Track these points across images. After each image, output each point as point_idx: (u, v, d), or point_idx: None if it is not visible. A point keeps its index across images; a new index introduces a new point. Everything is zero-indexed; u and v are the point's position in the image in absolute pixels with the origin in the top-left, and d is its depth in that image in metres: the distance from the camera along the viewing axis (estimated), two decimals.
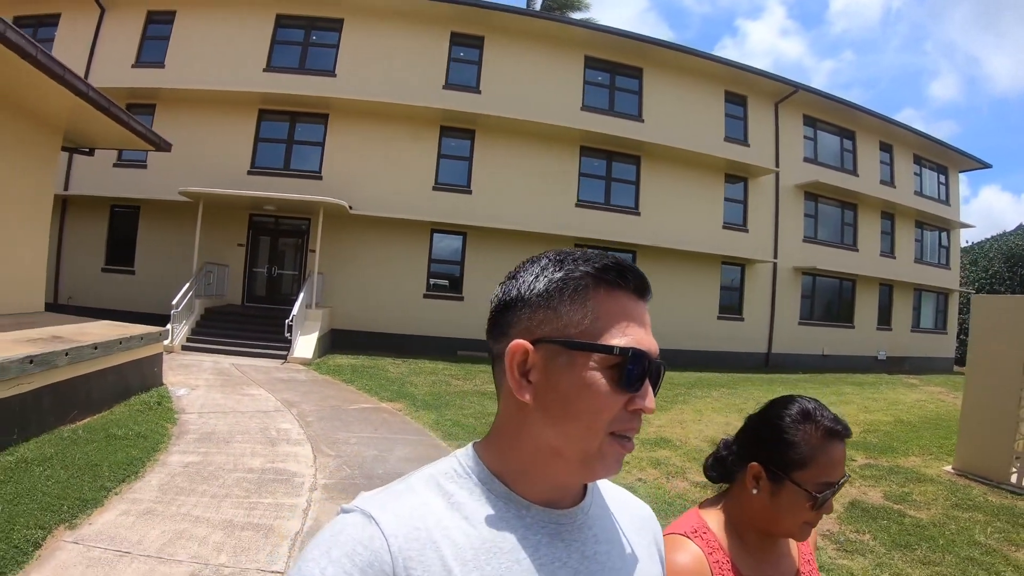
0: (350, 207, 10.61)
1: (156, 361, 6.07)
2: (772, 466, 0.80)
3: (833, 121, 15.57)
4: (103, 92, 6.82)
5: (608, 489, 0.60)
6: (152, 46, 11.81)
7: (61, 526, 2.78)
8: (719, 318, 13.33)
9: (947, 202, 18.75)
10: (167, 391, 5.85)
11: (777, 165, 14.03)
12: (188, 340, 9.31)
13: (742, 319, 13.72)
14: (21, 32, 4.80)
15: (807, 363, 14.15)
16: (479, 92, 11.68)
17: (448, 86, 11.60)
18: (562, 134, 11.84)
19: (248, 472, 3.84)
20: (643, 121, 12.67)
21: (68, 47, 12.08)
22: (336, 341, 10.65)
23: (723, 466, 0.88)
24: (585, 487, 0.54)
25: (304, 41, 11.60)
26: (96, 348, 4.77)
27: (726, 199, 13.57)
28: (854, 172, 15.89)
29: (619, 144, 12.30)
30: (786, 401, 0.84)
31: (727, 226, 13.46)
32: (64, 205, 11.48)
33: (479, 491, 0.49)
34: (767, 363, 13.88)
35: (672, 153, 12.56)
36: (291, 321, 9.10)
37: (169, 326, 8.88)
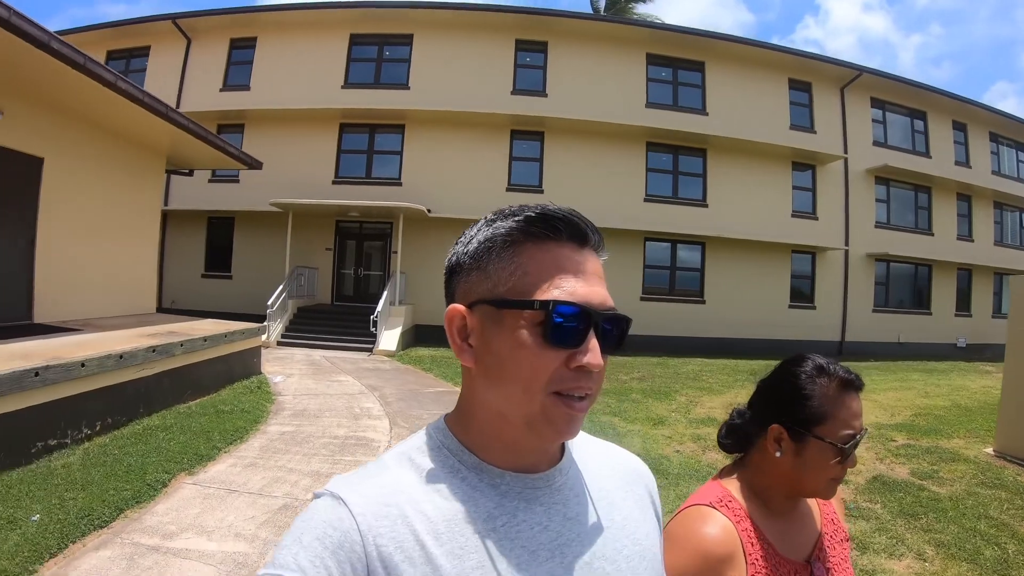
0: (428, 211, 11.20)
1: (256, 353, 6.85)
2: (793, 425, 0.79)
3: (902, 103, 15.14)
4: (194, 116, 7.65)
5: (593, 445, 0.58)
6: (237, 71, 12.82)
7: (182, 473, 3.45)
8: (790, 307, 13.22)
9: None
10: (266, 378, 6.60)
11: (845, 151, 13.79)
12: (283, 336, 10.11)
13: (814, 307, 13.54)
14: (130, 82, 5.63)
15: (883, 351, 13.80)
16: (546, 95, 12.08)
17: (516, 91, 12.06)
18: (628, 131, 12.09)
19: (333, 439, 4.44)
20: (707, 114, 12.75)
21: (160, 75, 13.29)
22: (419, 335, 11.25)
23: (738, 434, 0.87)
24: (563, 447, 0.53)
25: (378, 57, 12.32)
26: (205, 340, 5.51)
27: (794, 187, 13.45)
28: (927, 154, 15.38)
29: (684, 138, 12.44)
30: (797, 359, 0.84)
31: (796, 214, 13.35)
32: (165, 219, 12.59)
33: (451, 463, 0.48)
34: (840, 351, 13.62)
35: (737, 144, 12.59)
36: (376, 317, 9.76)
37: (265, 324, 9.69)
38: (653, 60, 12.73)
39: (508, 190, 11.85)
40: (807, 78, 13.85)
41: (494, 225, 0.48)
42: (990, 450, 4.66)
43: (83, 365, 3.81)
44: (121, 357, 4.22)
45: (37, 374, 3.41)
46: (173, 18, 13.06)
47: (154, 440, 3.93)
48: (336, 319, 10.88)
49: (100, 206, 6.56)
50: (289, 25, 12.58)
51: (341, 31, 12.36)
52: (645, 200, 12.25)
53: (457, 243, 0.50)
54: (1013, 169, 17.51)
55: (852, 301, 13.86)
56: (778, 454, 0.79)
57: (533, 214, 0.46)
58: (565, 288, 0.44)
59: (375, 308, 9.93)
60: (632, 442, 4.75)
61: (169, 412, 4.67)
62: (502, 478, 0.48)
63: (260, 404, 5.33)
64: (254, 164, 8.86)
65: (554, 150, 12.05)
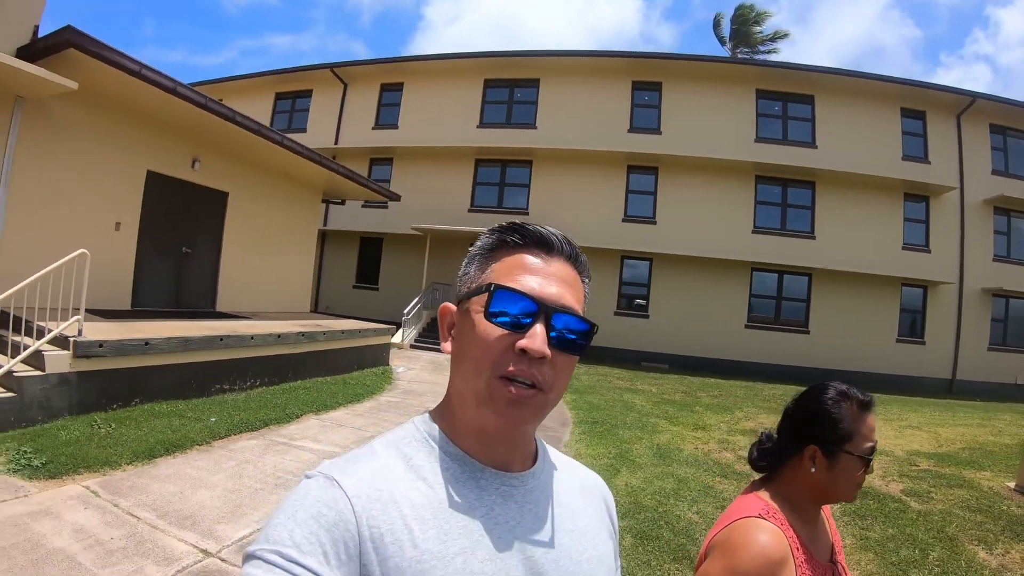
0: None
1: (385, 349, 8.86)
2: (827, 444, 0.93)
3: (1021, 127, 14.86)
4: (349, 151, 9.76)
5: (560, 460, 0.64)
6: (387, 112, 15.21)
7: (310, 413, 5.30)
8: (898, 341, 13.56)
9: None
10: (391, 368, 8.57)
11: (961, 181, 13.89)
12: (415, 341, 12.15)
13: (923, 343, 13.75)
14: (293, 141, 7.76)
15: (997, 392, 13.69)
16: (660, 133, 13.39)
17: (632, 129, 13.47)
18: (737, 166, 13.10)
19: (426, 407, 6.18)
20: (816, 147, 13.46)
21: (321, 115, 16.00)
22: None
23: (770, 455, 1.00)
24: (536, 454, 0.59)
25: (508, 100, 14.20)
26: (343, 333, 7.52)
27: (906, 219, 13.76)
28: None
29: (792, 172, 13.23)
30: (822, 387, 0.98)
31: (907, 247, 13.66)
32: (324, 237, 15.23)
33: (436, 454, 0.53)
34: (951, 389, 13.72)
35: (846, 177, 13.19)
36: None
37: (400, 329, 11.80)
38: (763, 95, 13.64)
39: (624, 220, 13.28)
40: (920, 107, 14.09)
41: (481, 239, 0.56)
42: (1012, 484, 4.42)
43: (252, 338, 5.83)
44: (279, 336, 6.26)
45: (221, 339, 5.41)
46: (331, 67, 15.71)
47: (295, 394, 5.84)
48: None
49: (268, 228, 8.87)
50: (431, 72, 14.79)
51: (476, 77, 14.37)
52: (753, 232, 13.19)
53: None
54: None
55: (965, 338, 13.89)
56: (812, 470, 0.93)
57: (508, 225, 0.55)
58: (518, 279, 0.51)
59: None
60: (661, 437, 5.38)
61: (310, 380, 6.70)
62: (483, 472, 0.53)
63: (380, 383, 7.25)
64: (393, 197, 11.11)
65: (667, 184, 13.32)
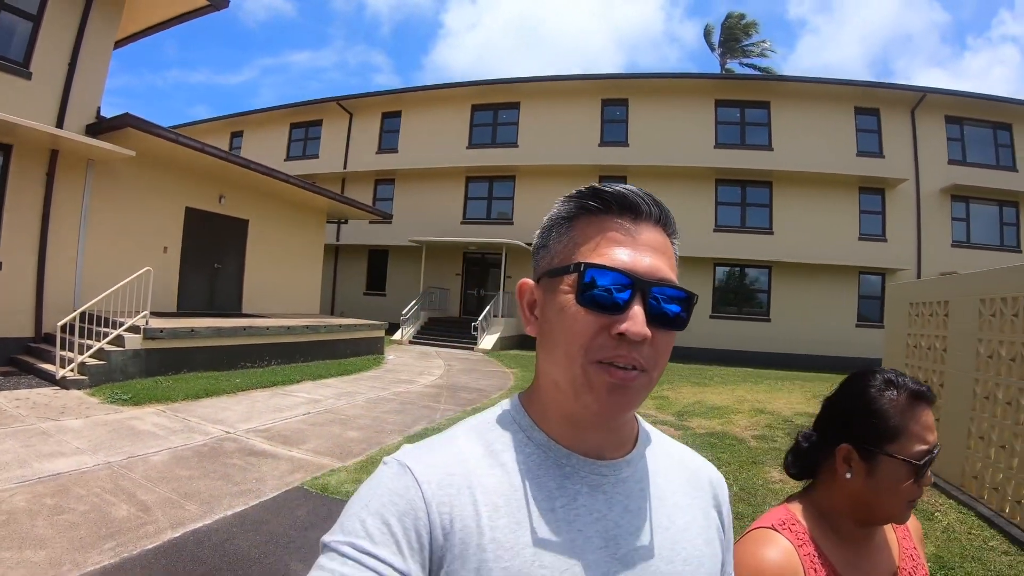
0: (529, 244, 14.86)
1: (379, 341, 11.15)
2: (863, 443, 0.78)
3: (983, 117, 16.08)
4: (356, 174, 12.10)
5: (668, 446, 0.60)
6: (388, 137, 17.56)
7: (308, 380, 7.51)
8: (858, 326, 15.10)
9: None
10: (383, 356, 10.83)
11: (916, 172, 15.33)
12: (414, 337, 14.40)
13: (882, 327, 15.20)
14: (297, 179, 10.23)
15: None
16: (628, 145, 15.30)
17: (603, 143, 15.44)
18: (699, 172, 14.91)
19: (397, 381, 8.15)
20: (772, 149, 15.14)
21: (331, 141, 18.45)
22: (521, 342, 14.99)
23: (805, 459, 0.87)
24: (635, 440, 0.55)
25: (493, 122, 16.36)
26: (341, 327, 9.84)
27: (862, 211, 15.29)
28: (1013, 167, 16.17)
29: (751, 174, 14.95)
30: (865, 374, 0.83)
31: (864, 237, 15.19)
32: (337, 251, 17.67)
33: (519, 438, 0.51)
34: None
35: (802, 176, 14.83)
36: (476, 324, 13.65)
37: (400, 328, 14.09)
38: (721, 103, 15.39)
39: None
40: (874, 104, 15.57)
41: (557, 206, 0.52)
42: None
43: (267, 329, 8.23)
44: (288, 328, 8.65)
45: (244, 329, 7.78)
46: (338, 100, 18.13)
47: (300, 369, 8.07)
48: (457, 327, 14.99)
49: (282, 246, 11.25)
50: (425, 100, 17.05)
51: (464, 103, 16.56)
52: (714, 231, 14.96)
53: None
54: None
55: None
56: (848, 475, 0.79)
57: (586, 189, 0.50)
58: (607, 253, 0.47)
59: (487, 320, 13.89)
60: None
61: (313, 362, 8.96)
62: (568, 459, 0.50)
63: (369, 365, 9.47)
64: (384, 216, 13.75)
65: None
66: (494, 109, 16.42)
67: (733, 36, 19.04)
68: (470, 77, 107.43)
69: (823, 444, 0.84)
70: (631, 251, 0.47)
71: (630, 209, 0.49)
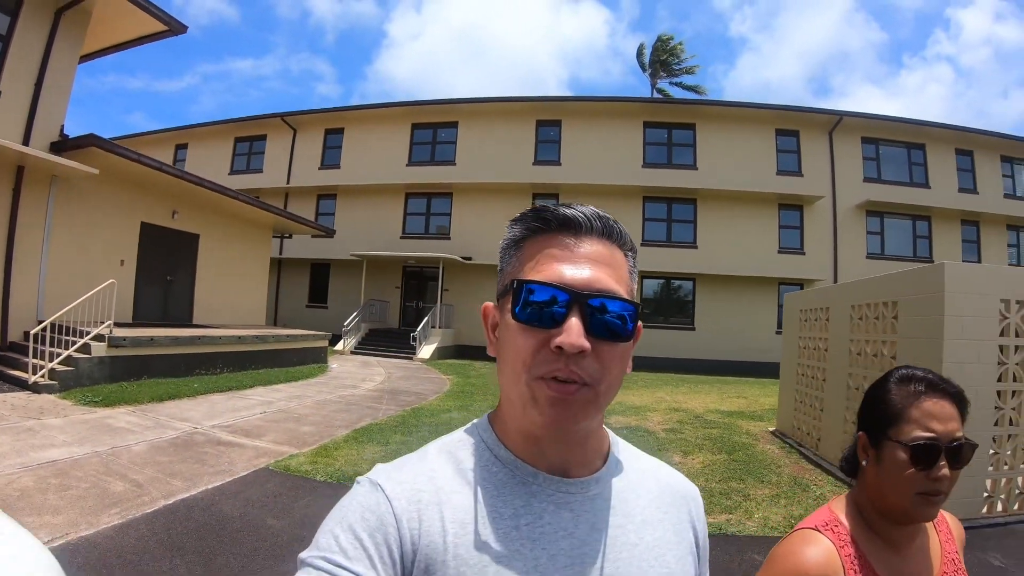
0: (466, 258, 15.48)
1: (323, 350, 11.68)
2: (872, 429, 0.82)
3: (897, 138, 17.31)
4: (299, 189, 12.62)
5: (640, 460, 0.60)
6: (331, 153, 17.95)
7: (260, 385, 8.08)
8: (777, 333, 16.01)
9: None
10: (327, 365, 11.39)
11: (833, 189, 16.41)
12: (355, 348, 14.83)
13: None
14: (245, 196, 10.70)
15: None
16: (560, 164, 16.01)
17: (537, 162, 16.12)
18: (627, 190, 15.70)
19: (341, 386, 8.75)
20: (697, 169, 16.04)
21: (274, 156, 18.75)
22: (459, 351, 15.51)
23: (850, 457, 0.89)
24: (605, 457, 0.56)
25: (432, 140, 16.91)
26: (288, 337, 10.39)
27: (781, 226, 16.29)
28: (926, 184, 17.41)
29: (676, 192, 15.81)
30: (895, 370, 0.85)
31: (783, 250, 16.18)
32: (280, 264, 17.93)
33: (487, 457, 0.53)
34: None
35: (725, 194, 15.74)
36: (415, 335, 14.15)
37: (342, 339, 14.51)
38: (649, 125, 16.24)
39: None
40: (794, 127, 16.64)
41: (508, 230, 0.54)
42: (771, 428, 6.45)
43: (220, 338, 8.72)
44: (239, 338, 9.15)
45: (199, 338, 8.26)
46: (282, 116, 18.47)
47: (251, 376, 8.57)
48: (396, 338, 15.45)
49: (230, 259, 11.66)
50: (367, 118, 17.52)
51: (405, 121, 17.09)
52: (642, 245, 15.74)
53: None
54: None
55: None
56: (864, 462, 0.83)
57: (529, 211, 0.52)
58: (544, 269, 0.48)
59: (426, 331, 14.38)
60: None
61: (263, 369, 9.44)
62: (535, 478, 0.51)
63: (315, 372, 10.03)
64: (328, 233, 14.13)
65: None
66: (433, 128, 16.98)
67: (663, 58, 20.12)
68: (413, 87, 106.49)
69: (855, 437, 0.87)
70: (570, 265, 0.48)
71: (569, 226, 0.50)
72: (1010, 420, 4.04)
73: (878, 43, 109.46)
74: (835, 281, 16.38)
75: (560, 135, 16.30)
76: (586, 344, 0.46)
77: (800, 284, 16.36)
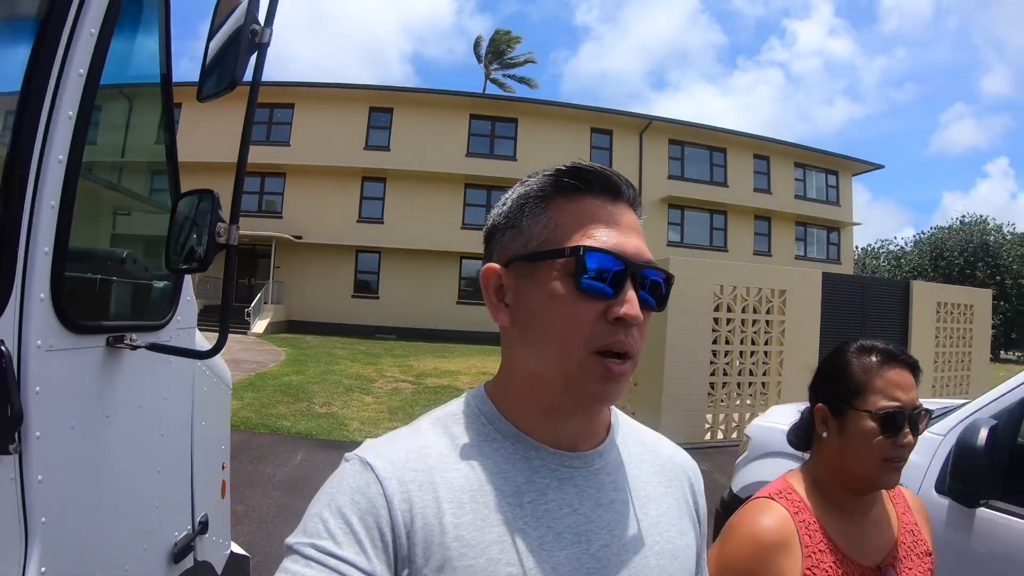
0: (297, 237, 16.67)
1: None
2: (834, 401, 0.85)
3: (702, 142, 20.02)
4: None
5: (640, 434, 0.59)
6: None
7: None
8: None
9: (837, 203, 22.53)
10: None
11: (640, 184, 18.84)
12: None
13: None
14: None
15: None
16: (390, 150, 17.42)
17: (367, 147, 17.43)
18: (451, 176, 17.38)
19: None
20: (517, 160, 17.95)
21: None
22: (292, 326, 16.78)
23: (801, 429, 0.93)
24: (608, 429, 0.54)
25: (268, 120, 17.74)
26: None
27: None
28: (724, 183, 20.29)
29: (497, 181, 17.68)
30: (847, 341, 0.89)
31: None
32: None
33: (485, 431, 0.50)
34: None
35: None
36: (249, 310, 15.33)
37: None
38: (475, 118, 17.94)
39: (358, 222, 17.30)
40: (608, 127, 18.91)
41: (527, 184, 0.50)
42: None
43: None
44: None
45: None
46: None
47: None
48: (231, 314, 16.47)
49: None
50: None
51: (240, 102, 17.76)
52: (462, 228, 17.57)
53: (494, 207, 0.53)
54: (822, 193, 22.24)
55: None
56: (824, 434, 0.85)
57: (564, 168, 0.49)
58: (597, 236, 0.46)
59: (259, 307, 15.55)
60: (337, 365, 9.32)
61: None
62: (537, 452, 0.49)
63: None
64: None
65: (394, 191, 17.47)
66: (270, 108, 17.82)
67: (498, 50, 21.90)
68: None
69: (811, 411, 0.90)
70: (617, 233, 0.47)
71: (611, 190, 0.49)
72: (724, 371, 5.90)
73: (718, 44, 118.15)
74: None
75: (391, 122, 17.67)
76: (642, 315, 0.45)
77: None
